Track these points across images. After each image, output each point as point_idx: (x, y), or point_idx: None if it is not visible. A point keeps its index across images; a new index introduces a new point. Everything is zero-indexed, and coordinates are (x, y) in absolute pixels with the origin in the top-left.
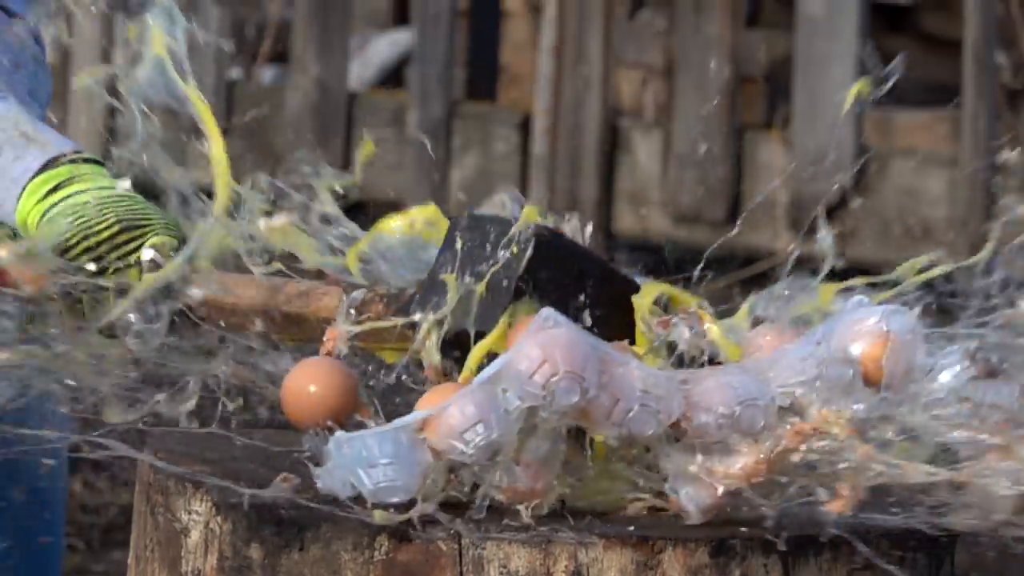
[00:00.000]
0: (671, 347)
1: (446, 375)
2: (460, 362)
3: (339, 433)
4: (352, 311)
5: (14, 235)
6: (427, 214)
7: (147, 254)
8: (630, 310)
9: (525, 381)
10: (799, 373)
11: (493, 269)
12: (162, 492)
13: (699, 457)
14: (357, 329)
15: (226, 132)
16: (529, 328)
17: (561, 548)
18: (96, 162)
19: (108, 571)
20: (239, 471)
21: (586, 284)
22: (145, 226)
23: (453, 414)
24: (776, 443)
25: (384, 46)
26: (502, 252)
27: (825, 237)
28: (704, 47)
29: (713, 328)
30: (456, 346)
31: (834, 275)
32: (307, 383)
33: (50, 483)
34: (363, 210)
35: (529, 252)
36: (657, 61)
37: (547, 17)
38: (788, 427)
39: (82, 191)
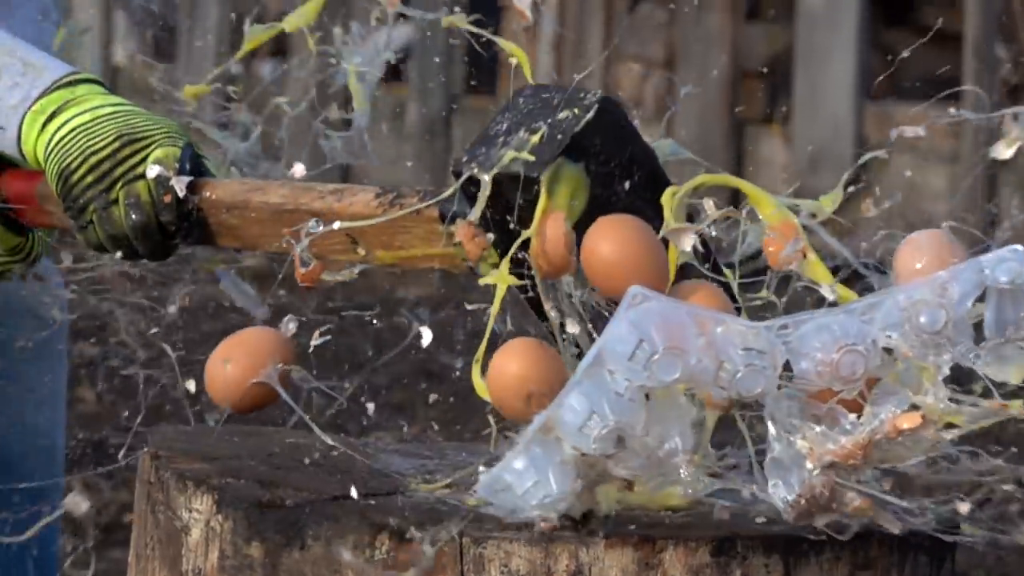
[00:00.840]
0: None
1: (478, 239)
2: (498, 212)
3: (483, 477)
4: (386, 203)
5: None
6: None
7: (152, 171)
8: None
9: (625, 364)
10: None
11: (552, 121)
12: (163, 490)
13: (799, 439)
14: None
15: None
16: (620, 306)
17: (562, 547)
18: (94, 81)
19: (108, 570)
20: (241, 469)
21: (634, 171)
22: (146, 137)
23: (566, 411)
24: (877, 429)
25: (384, 40)
26: (563, 112)
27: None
28: (704, 40)
29: (811, 258)
30: (497, 197)
31: (835, 272)
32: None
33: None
34: None
35: (591, 115)
36: (658, 54)
37: (547, 7)
38: (891, 415)
39: (80, 113)
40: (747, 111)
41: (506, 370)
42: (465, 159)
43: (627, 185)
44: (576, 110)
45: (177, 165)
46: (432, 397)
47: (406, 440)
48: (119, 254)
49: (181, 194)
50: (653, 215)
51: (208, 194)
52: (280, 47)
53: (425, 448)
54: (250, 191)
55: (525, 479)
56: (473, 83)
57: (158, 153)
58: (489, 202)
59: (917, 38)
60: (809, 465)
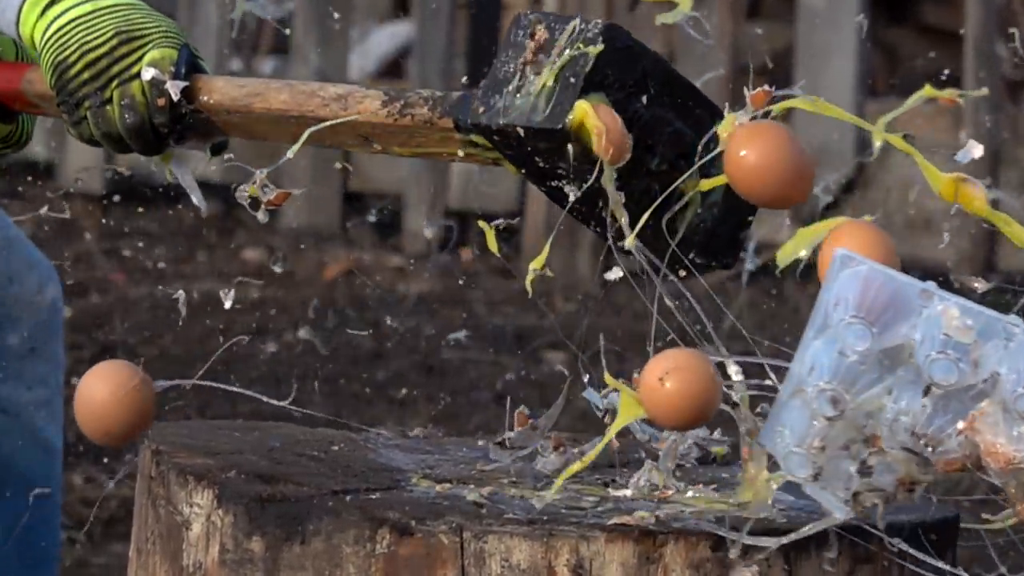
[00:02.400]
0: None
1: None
2: (519, 160)
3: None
4: (395, 112)
5: (16, 49)
6: None
7: (147, 73)
8: (690, 113)
9: (843, 329)
10: None
11: (562, 63)
12: (163, 485)
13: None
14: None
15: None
16: (831, 267)
17: (563, 542)
18: None
19: (109, 564)
20: (241, 463)
21: (648, 84)
22: (144, 36)
23: (795, 364)
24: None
25: (384, 38)
26: (568, 51)
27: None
28: (705, 39)
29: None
30: (514, 142)
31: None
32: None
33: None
34: (362, 201)
35: (599, 48)
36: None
37: (547, 9)
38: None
39: (81, 3)
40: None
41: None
42: (481, 109)
43: (644, 100)
44: (581, 44)
45: (173, 68)
46: (433, 393)
47: (407, 435)
48: (112, 149)
49: (176, 98)
50: (675, 117)
51: (206, 98)
52: (281, 46)
53: (426, 443)
54: (251, 97)
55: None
56: (473, 81)
57: (154, 54)
58: (515, 146)
59: (918, 37)
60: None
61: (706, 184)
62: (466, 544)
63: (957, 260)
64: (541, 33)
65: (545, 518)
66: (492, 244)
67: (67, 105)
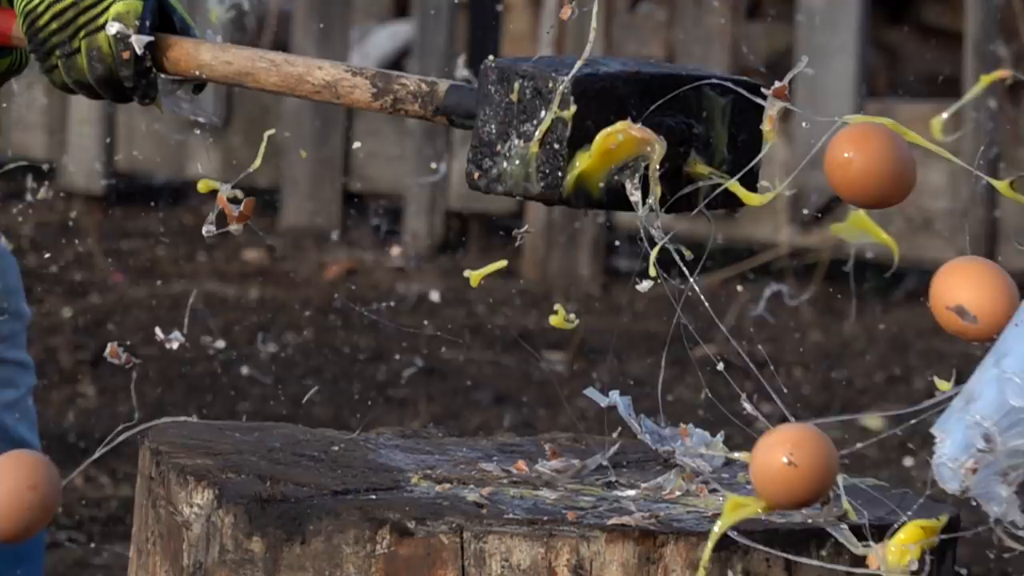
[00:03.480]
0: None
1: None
2: None
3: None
4: (387, 107)
5: None
6: None
7: (112, 28)
8: (676, 102)
9: (1006, 380)
10: None
11: (541, 131)
12: (163, 485)
13: None
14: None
15: (225, 126)
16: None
17: (563, 541)
18: None
19: (109, 564)
20: (242, 464)
21: (628, 106)
22: None
23: (967, 391)
24: None
25: (384, 38)
26: (544, 113)
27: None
28: (704, 39)
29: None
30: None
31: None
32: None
33: None
34: (363, 201)
35: (572, 110)
36: (658, 53)
37: (547, 9)
38: None
39: None
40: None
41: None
42: (476, 174)
43: (632, 116)
44: (555, 107)
45: (138, 23)
46: (433, 393)
47: (407, 435)
48: (86, 95)
49: (139, 52)
50: (663, 116)
51: (175, 58)
52: (281, 46)
53: (426, 443)
54: (240, 76)
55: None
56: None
57: (119, 7)
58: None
59: (918, 37)
60: None
61: (705, 169)
62: (466, 544)
63: None
64: (515, 95)
65: (545, 518)
66: (475, 280)
67: (38, 53)
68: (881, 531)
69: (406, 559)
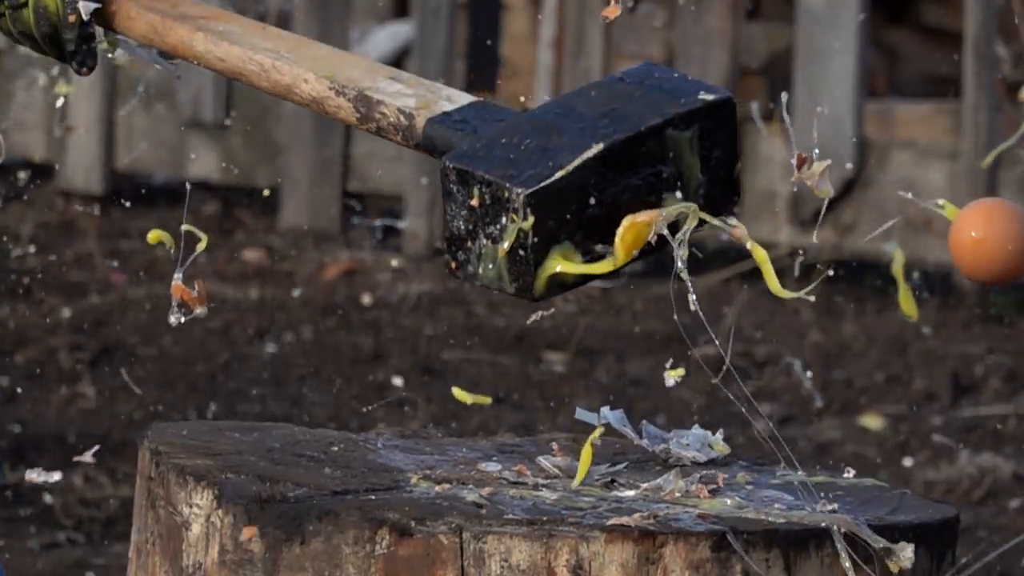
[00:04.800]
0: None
1: None
2: None
3: None
4: (371, 131)
5: None
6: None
7: None
8: (639, 157)
9: None
10: None
11: (505, 243)
12: (163, 485)
13: None
14: None
15: (225, 127)
16: None
17: (563, 542)
18: None
19: (108, 564)
20: (241, 464)
21: (590, 190)
22: None
23: None
24: None
25: (384, 38)
26: (504, 219)
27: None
28: (704, 40)
29: None
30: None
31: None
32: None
33: None
34: (363, 201)
35: (530, 220)
36: (657, 54)
37: (547, 9)
38: None
39: None
40: (747, 110)
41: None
42: (454, 264)
43: (593, 200)
44: (514, 215)
45: None
46: (433, 393)
47: (407, 435)
48: (32, 49)
49: (85, 18)
50: (628, 177)
51: (127, 25)
52: None
53: (426, 443)
54: (233, 74)
55: None
56: (472, 82)
57: None
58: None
59: (918, 37)
60: None
61: (674, 209)
62: (466, 544)
63: None
64: (476, 200)
65: (545, 518)
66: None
67: None
68: (880, 531)
69: (406, 559)
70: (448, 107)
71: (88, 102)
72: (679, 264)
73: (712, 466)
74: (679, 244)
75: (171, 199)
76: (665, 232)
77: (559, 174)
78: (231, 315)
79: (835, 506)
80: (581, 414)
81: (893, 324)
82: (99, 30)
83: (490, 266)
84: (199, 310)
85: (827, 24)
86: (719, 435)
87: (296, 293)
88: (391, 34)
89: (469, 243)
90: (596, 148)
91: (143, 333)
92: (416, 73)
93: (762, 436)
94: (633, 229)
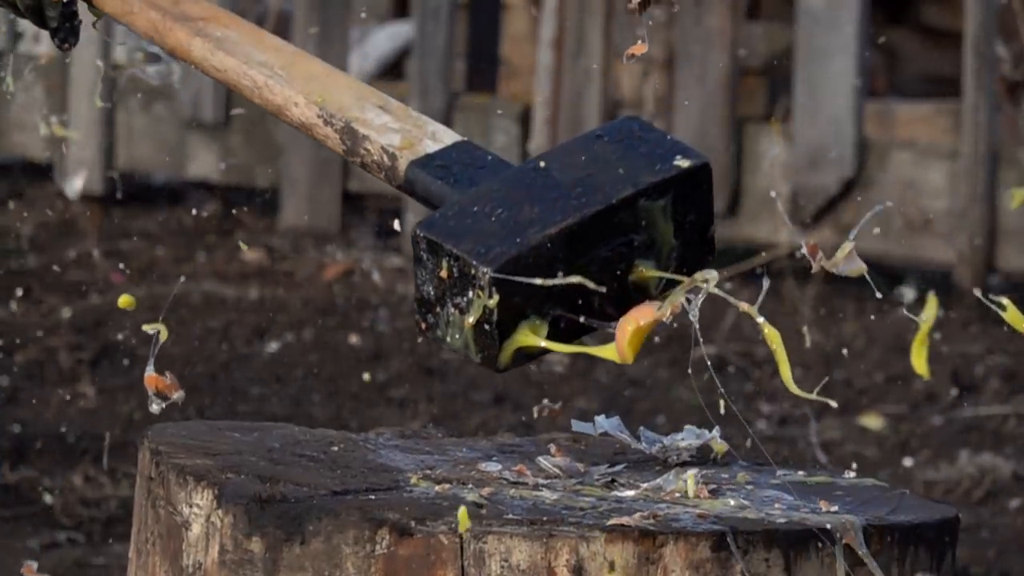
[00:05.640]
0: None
1: None
2: None
3: None
4: (356, 164)
5: None
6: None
7: None
8: (609, 227)
9: None
10: None
11: (471, 318)
12: (163, 485)
13: None
14: None
15: (226, 125)
16: None
17: (563, 542)
18: None
19: (108, 564)
20: (241, 464)
21: (556, 268)
22: None
23: None
24: None
25: (384, 38)
26: (471, 293)
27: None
28: (704, 40)
29: None
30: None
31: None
32: None
33: None
34: (363, 201)
35: (495, 299)
36: (657, 54)
37: (547, 9)
38: None
39: None
40: (747, 110)
41: None
42: (424, 325)
43: (560, 273)
44: (480, 291)
45: None
46: (433, 392)
47: (406, 435)
48: (13, 13)
49: None
50: (597, 248)
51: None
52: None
53: (426, 444)
54: (229, 84)
55: None
56: (472, 82)
57: None
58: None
59: (918, 37)
60: None
61: (674, 296)
62: (466, 544)
63: (957, 260)
64: (444, 271)
65: (545, 518)
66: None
67: None
68: (880, 531)
69: (406, 559)
70: (431, 148)
71: (88, 102)
72: (697, 337)
73: (711, 464)
74: (693, 309)
75: (171, 199)
76: (684, 303)
77: (526, 251)
78: (231, 315)
79: (835, 507)
80: (578, 426)
81: (893, 324)
82: (82, 6)
83: (457, 335)
84: (176, 395)
85: (827, 24)
86: (716, 432)
87: (296, 293)
88: (391, 34)
89: (438, 308)
90: (566, 223)
91: (143, 333)
92: (416, 73)
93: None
94: (639, 333)
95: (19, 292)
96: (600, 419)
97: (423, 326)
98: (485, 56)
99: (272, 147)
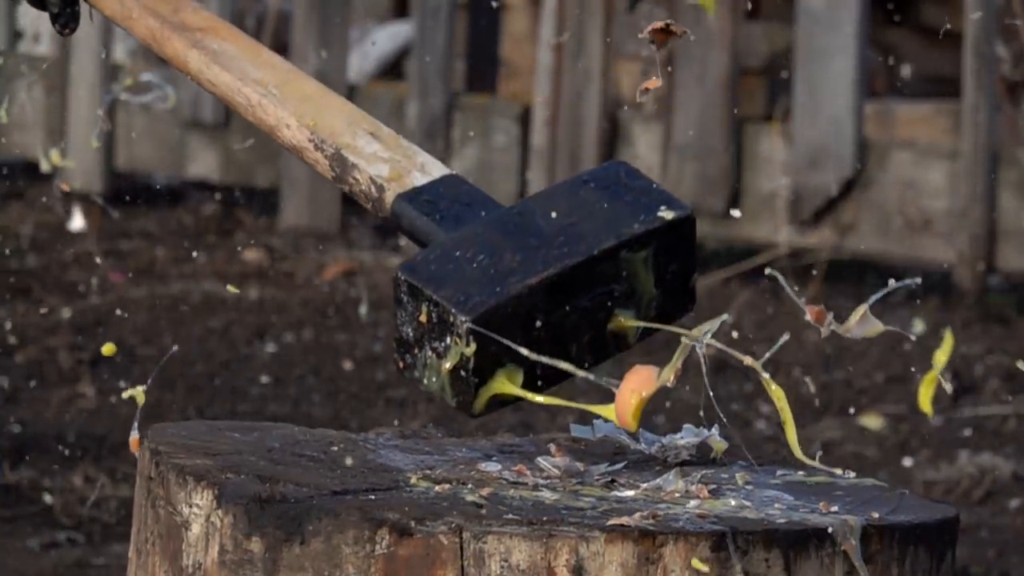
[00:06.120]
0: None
1: None
2: None
3: None
4: (344, 189)
5: None
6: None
7: None
8: (589, 278)
9: None
10: None
11: (450, 362)
12: (163, 485)
13: None
14: None
15: (226, 126)
16: None
17: (563, 542)
18: None
19: (108, 564)
20: (241, 464)
21: (535, 318)
22: None
23: None
24: None
25: (384, 38)
26: (449, 339)
27: None
28: (704, 40)
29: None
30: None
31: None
32: None
33: None
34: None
35: (472, 347)
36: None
37: (547, 10)
38: None
39: None
40: (747, 110)
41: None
42: (401, 365)
43: (539, 323)
44: (457, 339)
45: None
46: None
47: (406, 435)
48: None
49: None
50: (577, 300)
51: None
52: (280, 46)
53: (425, 444)
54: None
55: None
56: (471, 83)
57: None
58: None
59: (918, 37)
60: None
61: (675, 361)
62: (466, 544)
63: (957, 260)
64: (424, 315)
65: (545, 518)
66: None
67: None
68: (880, 530)
69: (406, 559)
70: (419, 181)
71: (87, 103)
72: (707, 389)
73: (710, 464)
74: (703, 352)
75: (171, 199)
76: (701, 351)
77: (505, 301)
78: (231, 315)
79: (836, 507)
80: (576, 430)
81: (893, 324)
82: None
83: (434, 378)
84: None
85: (827, 24)
86: (714, 430)
87: (296, 293)
88: (391, 34)
89: (416, 350)
90: (547, 274)
91: (143, 333)
92: (416, 73)
93: (745, 443)
94: (642, 404)
95: (19, 292)
96: (599, 422)
97: (401, 365)
98: (485, 56)
99: (272, 147)
